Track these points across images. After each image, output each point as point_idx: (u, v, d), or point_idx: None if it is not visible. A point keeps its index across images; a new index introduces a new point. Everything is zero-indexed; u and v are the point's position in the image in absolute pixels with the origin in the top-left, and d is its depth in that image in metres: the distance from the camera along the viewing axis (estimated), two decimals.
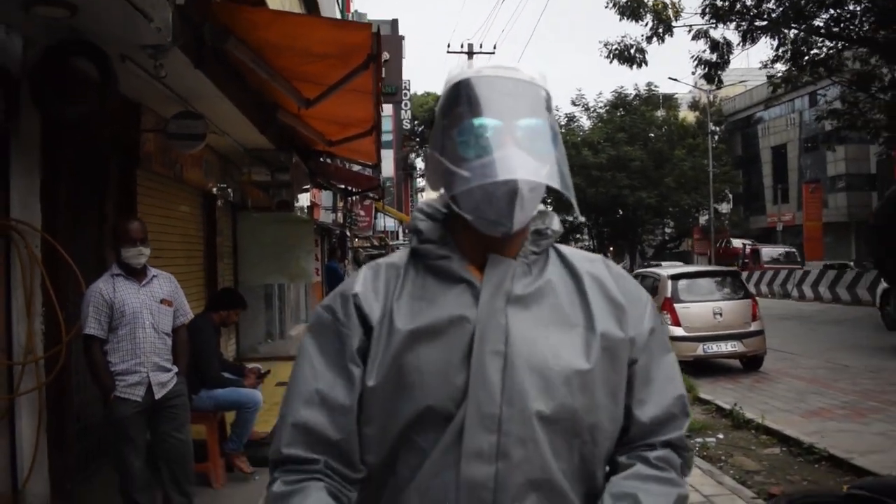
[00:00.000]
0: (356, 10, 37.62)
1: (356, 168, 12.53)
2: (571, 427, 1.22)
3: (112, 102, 4.16)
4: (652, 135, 41.77)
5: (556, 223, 1.34)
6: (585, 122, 44.82)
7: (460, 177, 1.18)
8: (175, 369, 4.21)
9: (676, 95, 50.28)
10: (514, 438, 1.17)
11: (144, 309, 4.03)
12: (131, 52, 4.36)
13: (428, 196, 1.40)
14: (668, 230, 49.56)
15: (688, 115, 46.85)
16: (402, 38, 46.34)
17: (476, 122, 1.19)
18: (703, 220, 44.59)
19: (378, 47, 4.47)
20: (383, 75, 10.78)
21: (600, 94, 60.25)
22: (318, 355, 1.26)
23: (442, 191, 1.26)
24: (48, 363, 4.23)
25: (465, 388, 1.18)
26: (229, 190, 9.19)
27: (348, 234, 21.30)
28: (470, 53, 22.85)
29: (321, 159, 9.97)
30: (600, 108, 43.53)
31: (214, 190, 8.49)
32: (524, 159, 1.15)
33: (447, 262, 1.28)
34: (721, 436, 7.17)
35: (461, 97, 1.22)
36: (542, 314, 1.26)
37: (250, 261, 9.87)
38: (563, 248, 1.39)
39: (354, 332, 1.25)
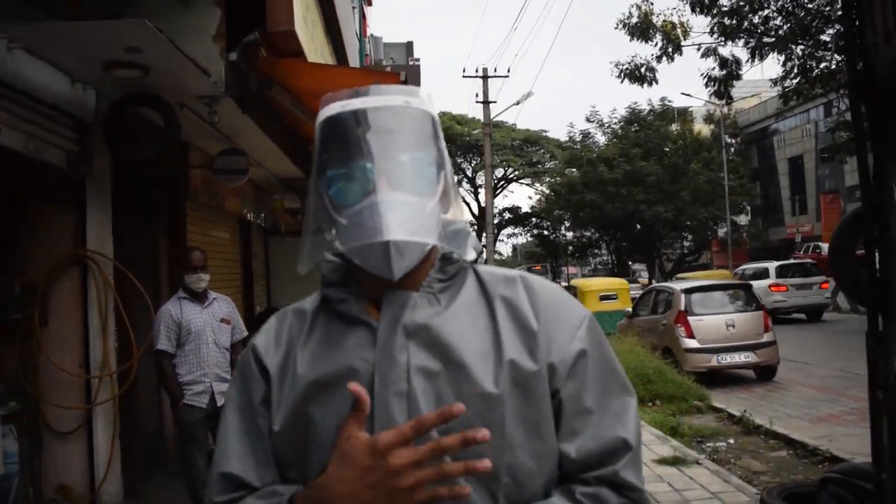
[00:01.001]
0: (372, 34, 38.47)
1: None
2: (501, 473, 1.11)
3: (174, 145, 4.74)
4: (667, 149, 42.15)
5: (469, 248, 1.23)
6: (600, 139, 45.36)
7: (337, 222, 1.11)
8: None
9: (691, 109, 50.73)
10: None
11: (207, 327, 4.61)
12: (189, 101, 4.96)
13: None
14: (686, 243, 49.80)
15: (703, 129, 47.17)
16: (417, 60, 47.20)
17: (346, 165, 1.10)
18: (721, 232, 44.77)
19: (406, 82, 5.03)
20: (403, 77, 11.28)
21: (614, 110, 60.65)
22: (232, 406, 1.23)
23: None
24: (120, 377, 4.80)
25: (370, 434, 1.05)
26: (262, 216, 9.79)
27: None
28: (485, 77, 23.46)
29: None
30: (615, 123, 44.04)
31: (250, 216, 9.09)
32: (396, 211, 1.06)
33: (346, 305, 1.19)
34: (731, 440, 7.60)
35: (331, 136, 1.13)
36: (447, 344, 1.14)
37: (283, 283, 10.44)
38: (481, 269, 1.27)
39: (257, 383, 1.20)
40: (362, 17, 24.74)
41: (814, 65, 20.55)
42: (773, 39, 19.17)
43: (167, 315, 4.53)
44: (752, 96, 50.60)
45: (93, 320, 4.77)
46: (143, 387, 5.36)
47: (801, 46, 19.95)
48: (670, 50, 19.48)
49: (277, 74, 5.00)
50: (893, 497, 2.92)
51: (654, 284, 16.70)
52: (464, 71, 29.19)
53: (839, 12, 18.99)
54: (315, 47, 6.08)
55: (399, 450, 0.98)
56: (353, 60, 10.69)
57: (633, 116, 42.98)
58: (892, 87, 2.85)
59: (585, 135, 45.95)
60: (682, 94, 48.53)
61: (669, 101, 43.30)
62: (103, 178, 4.86)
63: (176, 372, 4.50)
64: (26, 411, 4.50)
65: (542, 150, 50.87)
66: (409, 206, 1.08)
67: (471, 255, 1.23)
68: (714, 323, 11.27)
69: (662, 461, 6.42)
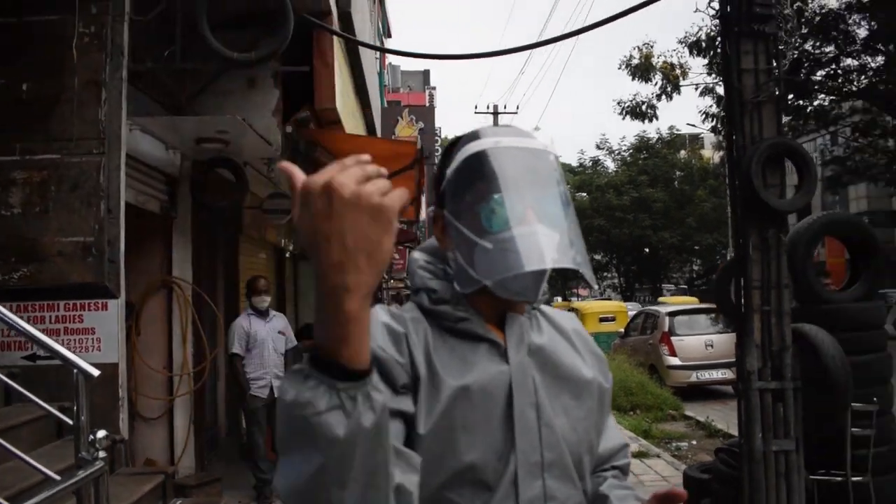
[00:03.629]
0: (390, 63, 40.07)
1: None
2: (580, 466, 1.32)
3: (243, 197, 6.14)
4: (674, 177, 43.19)
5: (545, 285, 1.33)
6: (610, 165, 46.58)
7: (478, 246, 1.17)
8: None
9: (702, 135, 51.92)
10: (556, 481, 1.25)
11: (268, 337, 6.02)
12: (253, 161, 6.37)
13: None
14: (695, 267, 50.75)
15: (714, 155, 48.18)
16: (434, 88, 48.61)
17: (498, 197, 1.17)
18: (730, 256, 45.76)
19: (421, 156, 6.44)
20: (419, 145, 12.74)
21: (623, 137, 61.82)
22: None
23: (454, 253, 1.24)
24: (196, 376, 6.18)
25: (504, 441, 1.22)
26: (292, 244, 11.19)
27: (385, 276, 23.27)
28: (495, 113, 24.88)
29: None
30: (624, 150, 45.17)
31: (284, 245, 10.49)
32: (550, 240, 1.16)
33: (468, 324, 1.27)
34: (694, 442, 8.89)
35: (480, 170, 1.19)
36: (554, 364, 1.32)
37: (310, 301, 11.81)
38: (542, 306, 1.43)
39: (403, 370, 1.19)
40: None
41: (808, 102, 21.87)
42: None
43: (239, 327, 5.95)
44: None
45: (175, 331, 6.15)
46: (209, 385, 6.74)
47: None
48: (669, 89, 20.85)
49: (321, 140, 6.41)
50: (748, 456, 4.23)
51: (643, 308, 17.93)
52: (475, 108, 30.83)
53: (832, 53, 20.35)
54: (349, 111, 7.49)
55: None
56: (376, 103, 12.15)
57: (642, 144, 44.03)
58: (750, 176, 4.20)
59: (595, 161, 47.28)
60: (688, 124, 49.79)
61: (677, 130, 44.37)
62: (185, 220, 6.27)
63: (245, 370, 5.92)
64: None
65: None
66: (556, 238, 1.16)
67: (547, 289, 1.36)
68: (695, 343, 12.55)
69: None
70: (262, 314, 6.11)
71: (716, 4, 4.38)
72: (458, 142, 1.30)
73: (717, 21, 4.44)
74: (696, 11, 5.92)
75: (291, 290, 11.63)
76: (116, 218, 4.70)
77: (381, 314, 1.26)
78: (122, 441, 4.58)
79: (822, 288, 5.41)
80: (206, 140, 5.56)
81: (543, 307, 1.43)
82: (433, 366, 1.22)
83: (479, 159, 1.20)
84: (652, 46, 19.93)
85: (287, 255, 10.83)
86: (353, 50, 8.04)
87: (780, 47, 4.38)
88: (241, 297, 7.63)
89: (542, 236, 1.15)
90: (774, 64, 4.26)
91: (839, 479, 4.67)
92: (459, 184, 1.24)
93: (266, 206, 7.60)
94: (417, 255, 1.38)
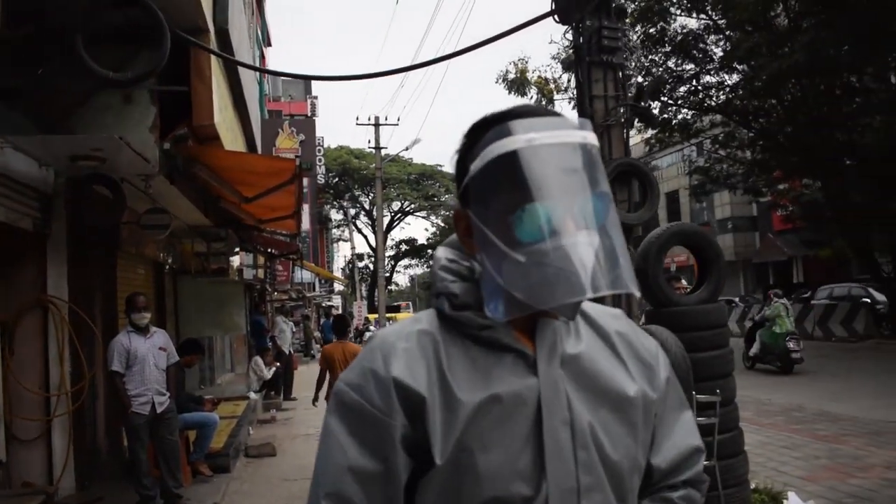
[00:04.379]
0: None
1: (279, 237, 14.53)
2: (622, 490, 1.16)
3: (120, 214, 6.14)
4: None
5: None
6: None
7: (508, 258, 1.04)
8: (168, 394, 6.19)
9: None
10: None
11: (149, 354, 6.03)
12: (130, 177, 6.36)
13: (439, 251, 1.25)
14: None
15: None
16: (315, 96, 48.33)
17: (532, 204, 1.03)
18: None
19: (300, 171, 6.62)
20: (300, 153, 12.80)
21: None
22: (350, 442, 1.10)
23: (481, 256, 1.10)
24: (75, 395, 6.11)
25: (533, 465, 1.08)
26: (171, 258, 11.06)
27: (269, 288, 23.05)
28: (376, 125, 25.16)
29: (251, 230, 11.94)
30: None
31: (163, 260, 10.37)
32: (589, 260, 1.01)
33: (492, 333, 1.13)
34: None
35: (512, 174, 1.04)
36: (591, 375, 1.17)
37: (190, 317, 11.66)
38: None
39: (397, 420, 1.08)
40: (262, 57, 25.98)
41: (672, 115, 23.29)
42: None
43: (119, 344, 5.94)
44: (638, 133, 54.49)
45: (52, 350, 6.07)
46: (88, 405, 6.65)
47: (658, 102, 22.54)
48: (544, 102, 21.77)
49: (200, 157, 6.48)
50: None
51: None
52: (357, 119, 31.09)
53: (692, 71, 21.74)
54: (228, 126, 7.56)
55: None
56: (255, 115, 12.16)
57: None
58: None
59: None
60: None
61: None
62: (60, 238, 6.20)
63: (126, 387, 5.91)
64: None
65: (438, 184, 52.77)
66: (601, 251, 1.03)
67: None
68: None
69: None
70: (143, 331, 6.12)
71: (570, 36, 4.81)
72: (483, 125, 1.15)
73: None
74: (550, 42, 6.40)
75: (171, 304, 11.46)
76: None
77: (385, 353, 1.13)
78: None
79: (671, 292, 5.95)
80: (82, 158, 5.55)
81: (584, 305, 1.26)
82: (447, 384, 1.10)
83: (510, 162, 1.05)
84: (527, 62, 20.76)
85: (166, 269, 10.70)
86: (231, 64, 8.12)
87: (628, 73, 4.88)
88: (119, 314, 7.56)
89: (584, 247, 1.01)
90: (622, 91, 4.73)
91: None
92: (487, 186, 1.09)
93: (144, 222, 7.55)
94: (441, 252, 1.24)
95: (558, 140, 1.07)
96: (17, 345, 6.02)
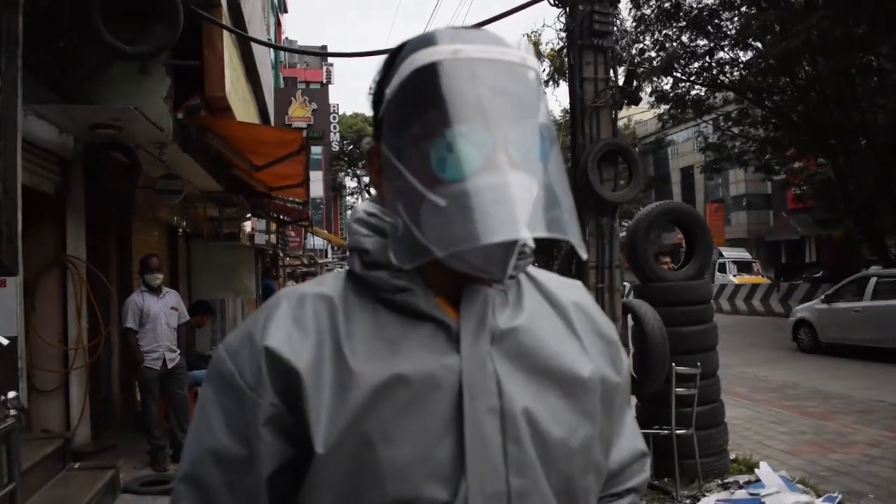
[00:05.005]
0: (287, 38, 39.77)
1: (290, 204, 14.87)
2: (571, 493, 0.96)
3: (136, 180, 6.45)
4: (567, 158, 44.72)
5: (530, 239, 0.93)
6: None
7: (427, 200, 0.83)
8: (179, 351, 6.56)
9: None
10: None
11: (161, 312, 6.40)
12: (145, 145, 6.67)
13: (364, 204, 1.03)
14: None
15: None
16: (331, 64, 48.35)
17: (457, 130, 0.83)
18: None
19: (307, 142, 6.91)
20: (312, 122, 13.06)
21: None
22: (218, 418, 0.92)
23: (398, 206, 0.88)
24: (91, 350, 6.49)
25: (451, 462, 0.88)
26: (185, 222, 11.42)
27: (280, 253, 23.46)
28: None
29: (262, 197, 12.26)
30: None
31: (176, 224, 10.72)
32: (525, 198, 0.82)
33: (408, 297, 0.94)
34: None
35: (433, 90, 0.85)
36: (532, 353, 0.97)
37: (202, 279, 12.04)
38: (533, 270, 1.08)
39: (265, 397, 0.89)
40: (277, 24, 26.12)
41: (685, 91, 23.33)
42: (642, 70, 21.76)
43: (133, 303, 6.31)
44: (651, 108, 54.15)
45: (70, 307, 6.43)
46: (103, 360, 7.04)
47: (671, 77, 22.58)
48: (556, 76, 21.88)
49: (212, 127, 6.77)
50: None
51: None
52: (370, 89, 31.17)
53: (706, 47, 21.74)
54: (239, 96, 7.85)
55: None
56: (268, 83, 12.42)
57: None
58: (587, 171, 4.91)
59: None
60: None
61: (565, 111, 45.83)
62: (79, 201, 6.53)
63: (139, 343, 6.29)
64: None
65: None
66: (535, 190, 0.83)
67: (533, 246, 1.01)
68: None
69: None
70: (155, 291, 6.49)
71: (563, 19, 5.05)
72: (404, 47, 0.94)
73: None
74: (544, 26, 6.62)
75: (184, 267, 11.84)
76: (14, 200, 4.98)
77: (267, 318, 0.95)
78: (21, 410, 4.91)
79: (658, 268, 6.24)
80: (100, 126, 5.86)
81: (533, 271, 1.09)
82: (342, 357, 0.90)
83: (431, 75, 0.86)
84: (540, 35, 20.82)
85: (179, 233, 11.06)
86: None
87: (620, 55, 5.12)
88: (134, 274, 7.92)
89: (517, 189, 0.82)
90: (612, 74, 4.97)
91: (666, 432, 5.51)
92: (403, 108, 0.90)
93: (158, 187, 7.86)
94: (362, 205, 1.04)
95: (491, 55, 0.88)
96: (38, 301, 6.37)
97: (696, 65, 22.37)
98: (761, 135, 24.84)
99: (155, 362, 6.35)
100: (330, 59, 48.21)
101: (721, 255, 31.53)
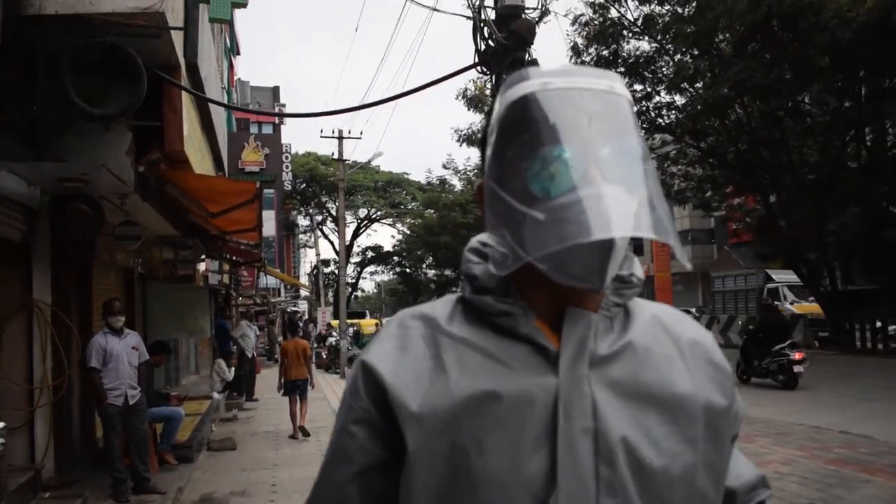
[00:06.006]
0: (239, 79, 40.18)
1: (242, 245, 15.32)
2: None
3: (100, 228, 6.92)
4: None
5: (638, 269, 1.06)
6: (457, 184, 48.72)
7: (527, 218, 0.89)
8: (139, 388, 6.99)
9: None
10: None
11: (123, 352, 6.84)
12: (108, 195, 7.15)
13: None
14: None
15: None
16: (283, 105, 48.87)
17: (552, 151, 0.89)
18: None
19: (260, 192, 7.45)
20: (264, 166, 13.60)
21: (468, 158, 64.92)
22: (340, 411, 1.06)
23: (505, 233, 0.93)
24: (56, 389, 6.88)
25: (543, 477, 0.92)
26: (141, 265, 11.81)
27: (233, 293, 23.74)
28: (340, 139, 25.96)
29: (217, 240, 12.70)
30: (469, 171, 47.39)
31: (132, 265, 11.11)
32: (619, 204, 0.85)
33: (510, 321, 1.00)
34: None
35: (527, 118, 0.93)
36: (633, 379, 0.99)
37: (158, 320, 12.41)
38: (640, 301, 1.11)
39: (358, 402, 1.01)
40: (230, 66, 26.62)
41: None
42: None
43: (97, 344, 6.75)
44: None
45: (36, 348, 6.84)
46: (65, 397, 7.41)
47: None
48: None
49: (171, 179, 7.29)
50: None
51: None
52: (321, 132, 31.97)
53: (644, 91, 22.85)
54: (196, 147, 8.37)
55: None
56: (222, 130, 12.94)
57: None
58: None
59: (443, 181, 49.36)
60: None
61: None
62: (44, 248, 6.97)
63: (102, 381, 6.71)
64: None
65: (405, 192, 53.40)
66: (628, 203, 0.86)
67: (643, 277, 1.07)
68: None
69: None
70: (117, 332, 6.94)
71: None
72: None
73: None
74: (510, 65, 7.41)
75: (140, 308, 12.18)
76: None
77: (373, 344, 1.07)
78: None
79: None
80: (67, 180, 6.34)
81: (641, 302, 1.12)
82: (440, 369, 0.98)
83: (524, 106, 0.94)
84: (486, 82, 21.73)
85: (136, 275, 11.44)
86: (199, 90, 8.93)
87: None
88: (94, 316, 8.32)
89: (611, 199, 0.85)
90: None
91: None
92: (500, 140, 0.97)
93: (118, 234, 8.31)
94: (478, 236, 1.11)
95: (580, 85, 0.94)
96: (5, 343, 6.77)
97: (634, 109, 23.44)
98: (699, 174, 26.07)
99: (117, 399, 6.77)
100: (282, 99, 48.76)
101: (770, 278, 27.59)
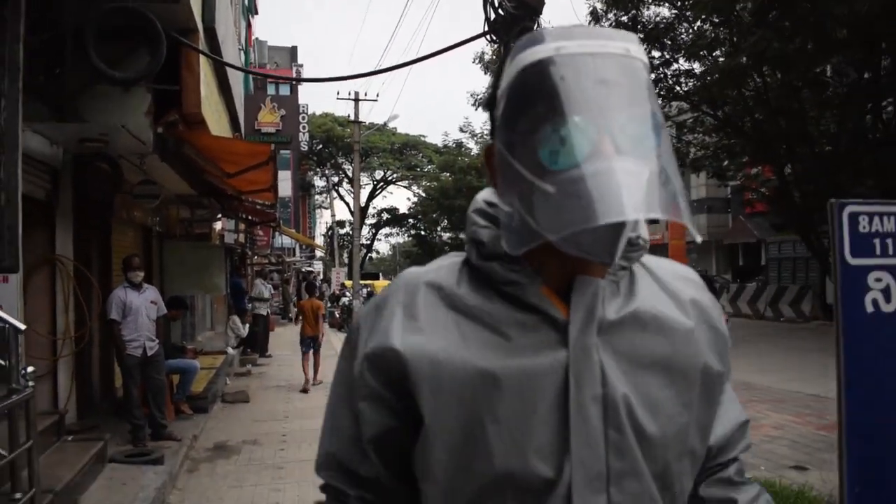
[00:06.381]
0: (257, 39, 40.20)
1: (258, 205, 15.58)
2: (667, 477, 1.02)
3: (119, 187, 7.19)
4: None
5: (644, 231, 1.05)
6: (473, 147, 48.66)
7: (538, 190, 0.87)
8: (157, 340, 7.33)
9: None
10: (628, 497, 0.97)
11: (142, 306, 7.17)
12: (127, 155, 7.41)
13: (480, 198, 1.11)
14: None
15: None
16: (301, 65, 48.77)
17: (563, 122, 0.87)
18: None
19: (275, 155, 7.68)
20: (281, 128, 13.82)
21: (485, 122, 64.65)
22: (337, 377, 1.13)
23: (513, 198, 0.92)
24: (77, 340, 7.21)
25: (556, 443, 0.96)
26: (158, 223, 12.12)
27: (249, 252, 24.09)
28: (356, 100, 26.04)
29: (232, 200, 12.97)
30: (486, 134, 47.24)
31: (151, 225, 11.43)
32: (631, 181, 0.83)
33: (518, 289, 1.01)
34: None
35: (539, 86, 0.90)
36: (638, 344, 1.02)
37: (174, 277, 12.72)
38: (648, 259, 1.12)
39: (366, 378, 1.04)
40: (248, 26, 26.70)
41: None
42: None
43: (117, 297, 7.07)
44: None
45: (59, 301, 7.16)
46: (86, 350, 7.77)
47: None
48: None
49: (188, 140, 7.53)
50: None
51: None
52: (338, 94, 32.10)
53: (662, 58, 22.76)
54: (213, 109, 8.59)
55: None
56: (238, 92, 13.13)
57: None
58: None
59: (459, 144, 49.28)
60: None
61: None
62: (67, 206, 7.26)
63: (122, 333, 7.05)
64: None
65: (421, 155, 53.37)
66: (644, 175, 0.84)
67: (649, 238, 1.07)
68: None
69: None
70: (137, 287, 7.25)
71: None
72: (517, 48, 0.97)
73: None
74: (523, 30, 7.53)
75: (157, 264, 12.53)
76: (15, 207, 5.71)
77: (374, 299, 1.10)
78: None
79: None
80: (88, 140, 6.59)
81: (649, 260, 1.13)
82: (450, 340, 1.00)
83: (536, 72, 0.91)
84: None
85: (154, 233, 11.78)
86: (217, 53, 9.12)
87: None
88: (113, 271, 8.64)
89: (623, 174, 0.83)
90: None
91: None
92: (511, 106, 0.95)
93: (136, 192, 8.58)
94: (482, 193, 1.12)
95: (593, 49, 0.91)
96: (30, 296, 7.08)
97: (652, 76, 23.31)
98: (715, 142, 25.98)
99: (136, 350, 7.11)
100: (300, 60, 48.65)
101: None
